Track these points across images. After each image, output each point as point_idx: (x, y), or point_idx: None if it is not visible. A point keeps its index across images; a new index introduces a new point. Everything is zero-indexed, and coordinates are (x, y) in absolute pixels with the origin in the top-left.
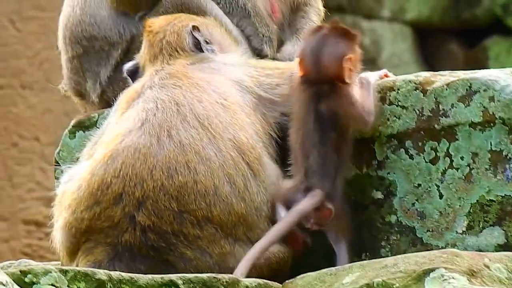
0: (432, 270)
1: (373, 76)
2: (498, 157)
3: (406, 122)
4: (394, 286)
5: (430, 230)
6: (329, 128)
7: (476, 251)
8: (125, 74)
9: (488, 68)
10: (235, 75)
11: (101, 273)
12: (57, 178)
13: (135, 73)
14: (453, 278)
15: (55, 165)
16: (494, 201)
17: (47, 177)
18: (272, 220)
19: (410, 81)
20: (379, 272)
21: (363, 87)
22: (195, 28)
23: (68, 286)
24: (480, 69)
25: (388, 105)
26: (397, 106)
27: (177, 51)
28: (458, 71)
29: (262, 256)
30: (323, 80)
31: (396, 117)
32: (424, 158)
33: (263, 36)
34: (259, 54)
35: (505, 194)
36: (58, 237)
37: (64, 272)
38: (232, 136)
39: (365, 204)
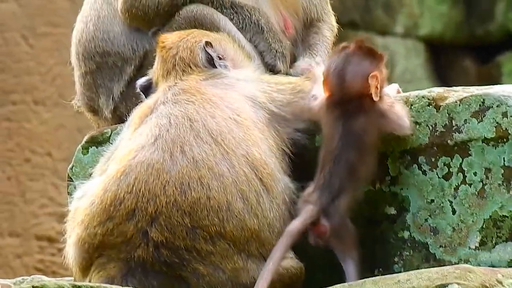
0: (445, 285)
1: (390, 91)
2: (511, 173)
3: (419, 137)
4: None
5: (443, 245)
6: (351, 147)
7: (489, 266)
8: (138, 90)
9: (501, 84)
10: (248, 91)
11: None
12: (70, 194)
13: (148, 89)
14: None
15: (68, 181)
16: (507, 216)
17: (60, 193)
18: None
19: (423, 97)
20: None
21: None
22: (208, 43)
23: None
24: (493, 85)
25: None
26: (410, 121)
27: (190, 66)
28: (471, 87)
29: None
30: (349, 98)
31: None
32: (437, 174)
33: (276, 52)
34: (272, 69)
35: None
36: (71, 252)
37: None
38: (245, 152)
39: (378, 219)
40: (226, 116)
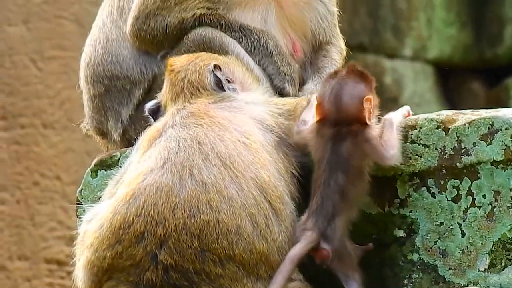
0: None
1: (397, 117)
2: None
3: (428, 160)
4: None
5: (452, 268)
6: (339, 170)
7: None
8: (146, 113)
9: (510, 107)
10: (257, 114)
11: None
12: (79, 217)
13: (156, 112)
14: None
15: (77, 204)
16: None
17: (69, 216)
18: None
19: (432, 120)
20: None
21: (385, 127)
22: (216, 67)
23: None
24: (501, 108)
25: (410, 143)
26: (419, 144)
27: (198, 90)
28: (480, 109)
29: None
30: (343, 121)
31: (418, 156)
32: (446, 196)
33: (285, 74)
34: (281, 92)
35: None
36: (80, 276)
37: None
38: (254, 175)
39: (387, 242)
40: (235, 139)
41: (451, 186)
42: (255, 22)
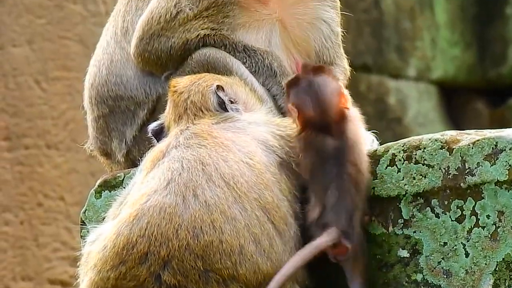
0: None
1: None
2: None
3: (432, 180)
4: None
5: None
6: (346, 160)
7: None
8: (149, 134)
9: None
10: (260, 134)
11: None
12: (83, 238)
13: (159, 133)
14: None
15: (81, 225)
16: None
17: (73, 237)
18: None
19: (436, 140)
20: None
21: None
22: (219, 87)
23: None
24: (506, 128)
25: (414, 163)
26: (423, 164)
27: (201, 110)
28: (484, 130)
29: None
30: (330, 120)
31: (422, 176)
32: (450, 217)
33: None
34: (285, 113)
35: None
36: None
37: None
38: (258, 195)
39: (391, 262)
40: (238, 159)
41: (455, 206)
42: (259, 42)
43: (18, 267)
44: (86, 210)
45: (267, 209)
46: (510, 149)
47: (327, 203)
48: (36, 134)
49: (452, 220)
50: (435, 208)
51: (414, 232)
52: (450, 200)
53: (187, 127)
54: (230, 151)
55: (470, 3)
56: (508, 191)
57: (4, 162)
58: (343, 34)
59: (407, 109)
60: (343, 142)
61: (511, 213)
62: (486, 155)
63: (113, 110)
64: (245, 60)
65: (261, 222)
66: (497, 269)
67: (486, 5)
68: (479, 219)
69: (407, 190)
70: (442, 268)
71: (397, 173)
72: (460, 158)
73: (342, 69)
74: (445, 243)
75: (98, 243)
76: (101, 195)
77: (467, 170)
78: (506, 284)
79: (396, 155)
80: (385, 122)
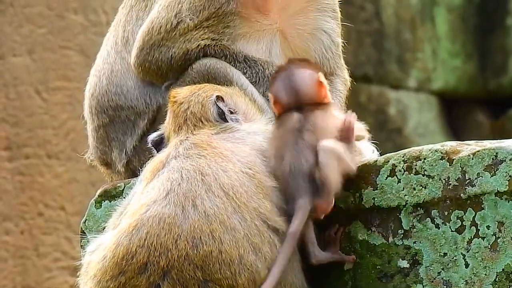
0: None
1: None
2: None
3: (432, 191)
4: None
5: None
6: (303, 128)
7: None
8: (149, 145)
9: None
10: (260, 144)
11: None
12: (83, 248)
13: (159, 144)
14: None
15: (81, 235)
16: None
17: (73, 247)
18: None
19: (436, 151)
20: None
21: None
22: (219, 98)
23: None
24: (506, 139)
25: (415, 174)
26: (423, 175)
27: (201, 121)
28: (484, 140)
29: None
30: (306, 104)
31: (422, 186)
32: (450, 227)
33: None
34: None
35: None
36: None
37: None
38: (257, 205)
39: (391, 273)
40: (238, 169)
41: (455, 217)
42: (259, 53)
43: (19, 276)
44: (86, 220)
45: (266, 218)
46: (510, 160)
47: (285, 173)
48: (37, 144)
49: (452, 231)
50: (435, 219)
51: (414, 242)
52: (450, 210)
53: (187, 137)
54: (229, 161)
55: (470, 14)
56: (508, 202)
57: (5, 172)
58: (343, 45)
59: (408, 119)
60: (306, 115)
61: (511, 223)
62: (486, 165)
63: (114, 120)
64: (245, 71)
65: (260, 231)
66: (497, 279)
67: (487, 16)
68: (479, 229)
69: (407, 200)
70: (442, 278)
71: (397, 183)
72: (460, 168)
73: (343, 79)
74: (445, 254)
75: (98, 253)
76: (101, 205)
77: (467, 181)
78: None
79: (396, 166)
80: (386, 133)
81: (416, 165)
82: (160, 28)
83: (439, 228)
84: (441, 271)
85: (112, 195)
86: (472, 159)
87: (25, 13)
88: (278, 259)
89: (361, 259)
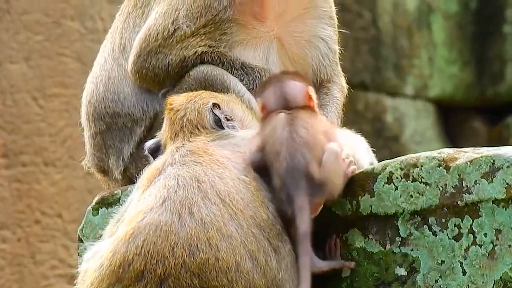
0: None
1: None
2: None
3: (429, 198)
4: None
5: None
6: (296, 125)
7: None
8: (146, 152)
9: (511, 145)
10: None
11: None
12: (80, 255)
13: (156, 151)
14: None
15: (78, 242)
16: None
17: (70, 254)
18: None
19: (433, 158)
20: None
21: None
22: (215, 105)
23: None
24: (503, 146)
25: (412, 181)
26: (420, 182)
27: (198, 128)
28: (481, 148)
29: None
30: (292, 107)
31: (420, 194)
32: (447, 235)
33: None
34: None
35: None
36: None
37: None
38: (253, 212)
39: (389, 280)
40: (234, 176)
41: (453, 225)
42: (256, 60)
43: (16, 284)
44: (83, 227)
45: (262, 226)
46: (507, 167)
47: (281, 169)
48: (34, 151)
49: (449, 238)
50: (432, 226)
51: (412, 250)
52: (448, 218)
53: (183, 144)
54: (225, 168)
55: (467, 22)
56: (505, 209)
57: (2, 180)
58: (340, 52)
59: (405, 127)
60: (296, 114)
61: (508, 231)
62: (483, 173)
63: (111, 127)
64: (242, 78)
65: (257, 239)
66: (494, 287)
67: (484, 23)
68: (476, 237)
69: (404, 208)
70: (440, 286)
71: (395, 191)
72: (457, 176)
73: (340, 87)
74: (443, 261)
75: (95, 261)
76: (98, 212)
77: (465, 188)
78: None
79: (393, 173)
80: (383, 140)
81: (413, 172)
82: (157, 35)
83: (436, 236)
84: (438, 279)
85: (109, 202)
86: (469, 166)
87: (22, 20)
88: (301, 263)
89: (358, 267)
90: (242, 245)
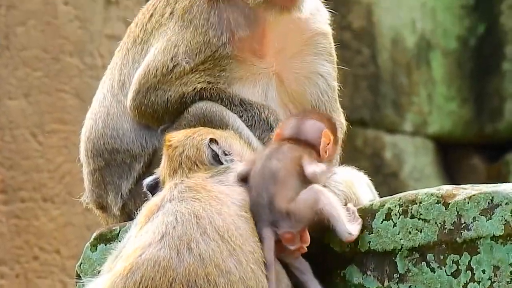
0: None
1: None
2: None
3: (428, 235)
4: None
5: None
6: (270, 159)
7: None
8: (145, 189)
9: (510, 182)
10: None
11: None
12: None
13: (155, 188)
14: None
15: (76, 279)
16: None
17: None
18: None
19: (432, 194)
20: None
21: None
22: (213, 140)
23: None
24: (502, 183)
25: (410, 218)
26: (419, 219)
27: (196, 164)
28: (480, 184)
29: None
30: (299, 141)
31: (418, 230)
32: (445, 271)
33: None
34: None
35: None
36: None
37: None
38: (252, 248)
39: None
40: (233, 212)
41: (451, 261)
42: (255, 96)
43: None
44: (81, 263)
45: (261, 262)
46: (506, 204)
47: (252, 200)
48: (32, 187)
49: (447, 275)
50: (430, 263)
51: (410, 286)
52: (446, 254)
53: (182, 181)
54: (224, 204)
55: (466, 59)
56: (504, 246)
57: (0, 215)
58: (339, 89)
59: (403, 164)
60: (286, 144)
61: (506, 268)
62: (482, 209)
63: (109, 163)
64: (241, 114)
65: (256, 275)
66: None
67: (483, 60)
68: (474, 274)
69: (402, 244)
70: None
71: (393, 227)
72: (456, 212)
73: (339, 123)
74: None
75: None
76: (96, 248)
77: (463, 225)
78: None
79: (392, 210)
80: (381, 177)
81: (411, 209)
82: (156, 71)
83: (434, 272)
84: None
85: (108, 238)
86: (468, 203)
87: (21, 56)
88: None
89: None
90: (241, 281)
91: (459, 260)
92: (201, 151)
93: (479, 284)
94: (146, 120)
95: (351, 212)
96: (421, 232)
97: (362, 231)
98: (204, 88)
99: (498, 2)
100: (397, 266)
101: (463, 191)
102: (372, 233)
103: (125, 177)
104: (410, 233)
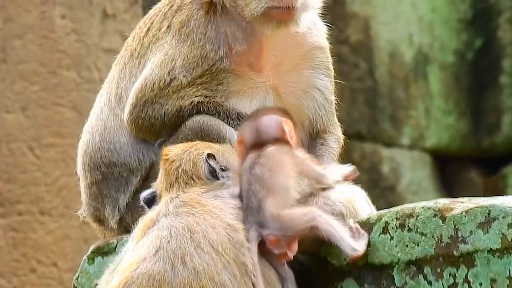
0: None
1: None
2: None
3: (425, 248)
4: None
5: None
6: (254, 164)
7: None
8: (142, 203)
9: (507, 195)
10: None
11: None
12: None
13: (151, 201)
14: None
15: None
16: None
17: None
18: None
19: (429, 208)
20: None
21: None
22: (210, 155)
23: None
24: (499, 196)
25: (407, 231)
26: (416, 232)
27: (193, 179)
28: (477, 198)
29: None
30: (265, 140)
31: (415, 244)
32: (442, 284)
33: None
34: None
35: None
36: None
37: None
38: (247, 261)
39: None
40: (227, 225)
41: (448, 274)
42: (252, 110)
43: None
44: (79, 276)
45: (255, 274)
46: (503, 217)
47: (243, 210)
48: (29, 201)
49: None
50: (427, 276)
51: None
52: (443, 268)
53: (177, 195)
54: (218, 218)
55: (464, 73)
56: (500, 260)
57: None
58: (337, 102)
59: (401, 177)
60: (263, 150)
61: (503, 281)
62: (479, 223)
63: (106, 176)
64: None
65: (249, 287)
66: None
67: (480, 74)
68: (471, 287)
69: (400, 258)
70: None
71: (390, 241)
72: (453, 226)
73: (336, 137)
74: None
75: None
76: (94, 262)
77: (460, 238)
78: None
79: (389, 223)
80: (379, 190)
81: (409, 222)
82: (153, 85)
83: (431, 285)
84: None
85: (105, 251)
86: (465, 216)
87: (18, 69)
88: None
89: None
90: None
91: (456, 273)
92: (197, 165)
93: None
94: (143, 134)
95: (354, 229)
96: (418, 245)
97: None
98: (201, 102)
99: (495, 16)
100: (394, 280)
101: (460, 205)
102: (369, 247)
103: (122, 190)
104: (407, 246)
